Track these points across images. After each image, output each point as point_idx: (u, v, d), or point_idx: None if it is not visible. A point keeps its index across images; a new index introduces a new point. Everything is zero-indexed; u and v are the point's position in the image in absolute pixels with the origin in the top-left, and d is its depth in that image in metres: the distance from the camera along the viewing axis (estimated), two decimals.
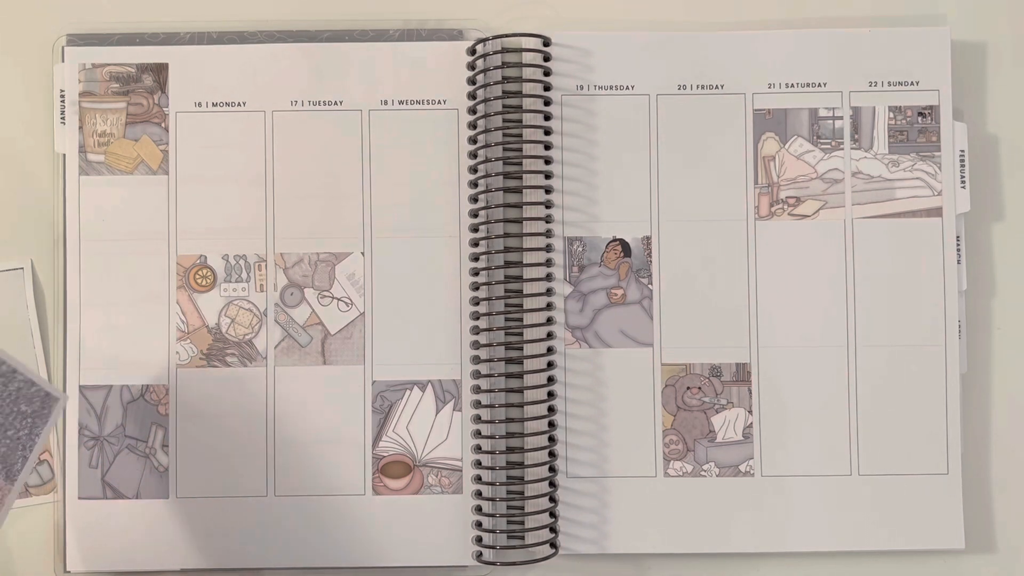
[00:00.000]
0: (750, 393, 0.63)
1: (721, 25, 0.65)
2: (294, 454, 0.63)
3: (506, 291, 0.62)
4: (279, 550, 0.62)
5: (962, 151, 0.64)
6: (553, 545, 0.62)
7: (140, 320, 0.63)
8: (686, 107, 0.64)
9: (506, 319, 0.63)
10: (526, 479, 0.62)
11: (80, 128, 0.64)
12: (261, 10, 0.65)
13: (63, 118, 0.64)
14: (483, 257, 0.62)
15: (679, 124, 0.64)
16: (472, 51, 0.63)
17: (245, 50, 0.64)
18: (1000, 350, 0.65)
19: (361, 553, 0.62)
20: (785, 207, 0.64)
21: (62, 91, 0.64)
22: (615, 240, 0.64)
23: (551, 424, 0.62)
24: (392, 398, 0.63)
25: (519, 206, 0.63)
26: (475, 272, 0.63)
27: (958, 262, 0.63)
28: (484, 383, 0.62)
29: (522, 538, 0.61)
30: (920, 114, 0.64)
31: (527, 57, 0.64)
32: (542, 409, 0.62)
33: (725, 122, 0.64)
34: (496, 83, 0.63)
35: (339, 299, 0.64)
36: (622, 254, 0.64)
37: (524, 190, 0.63)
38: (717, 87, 0.64)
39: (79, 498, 0.62)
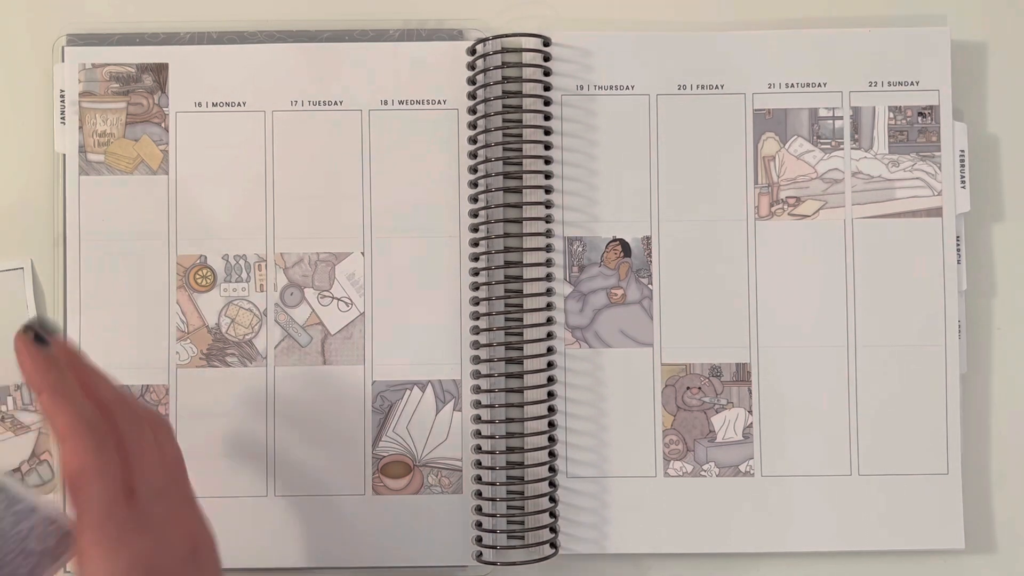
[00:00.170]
0: (750, 393, 0.63)
1: (721, 25, 0.65)
2: (294, 454, 0.63)
3: (506, 291, 0.62)
4: (279, 550, 0.62)
5: (962, 151, 0.64)
6: (553, 545, 0.62)
7: (140, 320, 0.63)
8: (686, 107, 0.64)
9: (506, 319, 0.63)
10: (526, 479, 0.62)
11: (80, 128, 0.64)
12: (261, 10, 0.65)
13: (63, 118, 0.64)
14: (483, 257, 0.62)
15: (679, 124, 0.64)
16: (472, 51, 0.63)
17: (245, 50, 0.64)
18: (1000, 350, 0.65)
19: (361, 553, 0.62)
20: (785, 207, 0.64)
21: (62, 91, 0.64)
22: (615, 240, 0.64)
23: (551, 424, 0.62)
24: (392, 398, 0.63)
25: (519, 206, 0.63)
26: (475, 272, 0.62)
27: (958, 262, 0.63)
28: (484, 383, 0.62)
29: (522, 538, 0.61)
30: (920, 114, 0.64)
31: (527, 57, 0.64)
32: (542, 409, 0.62)
33: (725, 122, 0.64)
34: (496, 83, 0.63)
35: (339, 299, 0.64)
36: (622, 254, 0.64)
37: (524, 190, 0.63)
38: (717, 87, 0.64)
39: None
